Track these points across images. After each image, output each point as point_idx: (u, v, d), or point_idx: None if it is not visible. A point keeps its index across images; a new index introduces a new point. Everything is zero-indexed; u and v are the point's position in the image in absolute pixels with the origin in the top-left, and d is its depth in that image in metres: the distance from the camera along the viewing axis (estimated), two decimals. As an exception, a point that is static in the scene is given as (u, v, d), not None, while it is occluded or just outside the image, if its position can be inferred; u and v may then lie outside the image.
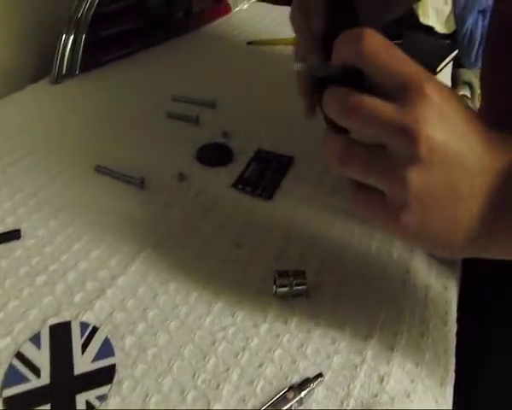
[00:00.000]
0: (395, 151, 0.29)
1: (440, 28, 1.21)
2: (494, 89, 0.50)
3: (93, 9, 0.70)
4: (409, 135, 0.28)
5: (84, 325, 0.38)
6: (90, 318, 0.39)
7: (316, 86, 0.34)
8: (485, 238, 0.30)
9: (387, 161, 0.29)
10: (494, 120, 0.31)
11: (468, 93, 1.25)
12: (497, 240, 0.30)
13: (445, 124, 0.28)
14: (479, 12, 1.17)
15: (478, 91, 1.19)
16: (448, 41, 1.00)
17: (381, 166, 0.30)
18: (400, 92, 0.28)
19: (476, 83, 1.18)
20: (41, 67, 0.71)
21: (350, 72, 0.31)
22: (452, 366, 0.39)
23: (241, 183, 0.52)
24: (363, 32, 0.30)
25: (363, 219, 0.33)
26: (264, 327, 0.39)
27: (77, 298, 0.40)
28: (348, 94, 0.30)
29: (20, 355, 0.36)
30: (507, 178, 0.29)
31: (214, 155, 0.56)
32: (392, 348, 0.39)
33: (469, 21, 1.20)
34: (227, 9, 0.94)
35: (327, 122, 0.33)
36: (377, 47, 0.29)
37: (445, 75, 0.83)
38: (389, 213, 0.30)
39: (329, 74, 0.32)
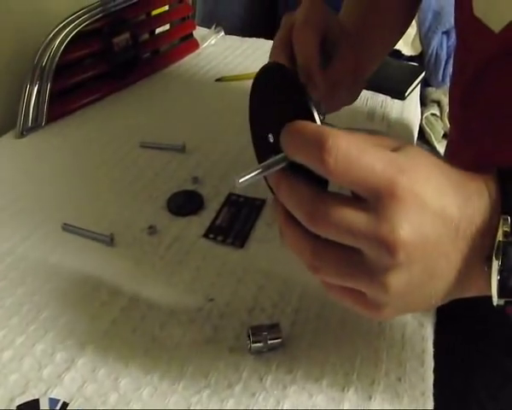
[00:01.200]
0: (372, 259, 0.28)
1: (407, 51, 1.23)
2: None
3: (57, 57, 0.69)
4: (386, 246, 0.27)
5: (53, 402, 0.37)
6: (59, 392, 0.37)
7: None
8: (460, 289, 0.31)
9: (364, 267, 0.29)
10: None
11: (437, 111, 1.27)
12: (473, 285, 0.31)
13: (421, 215, 0.28)
14: (443, 33, 1.20)
15: (446, 109, 1.21)
16: (416, 64, 1.02)
17: (357, 271, 0.29)
18: (372, 198, 0.28)
19: (444, 101, 1.21)
20: (5, 121, 0.70)
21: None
22: (430, 406, 0.39)
23: (213, 232, 0.52)
24: (325, 143, 0.27)
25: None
26: (239, 387, 0.38)
27: (45, 372, 0.39)
28: (311, 198, 0.29)
29: (-14, 441, 0.35)
30: (481, 234, 0.29)
31: (185, 203, 0.56)
32: (369, 397, 0.38)
33: (434, 42, 1.23)
34: (195, 45, 0.95)
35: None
36: (344, 163, 0.27)
37: (414, 94, 0.85)
38: (369, 306, 0.31)
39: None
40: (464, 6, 0.46)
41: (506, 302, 0.30)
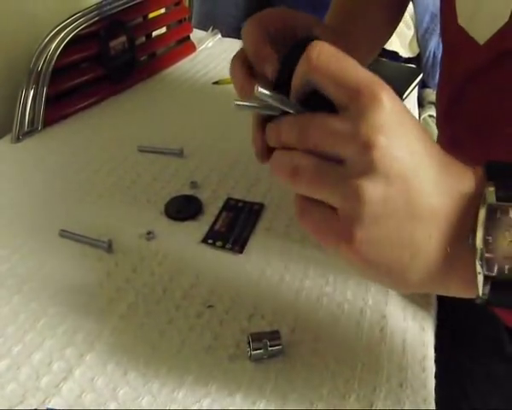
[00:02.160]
0: (349, 162, 0.27)
1: (404, 52, 1.23)
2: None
3: (54, 61, 0.69)
4: (362, 143, 0.26)
5: (51, 412, 0.36)
6: (57, 402, 0.37)
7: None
8: (444, 270, 0.28)
9: (340, 173, 0.28)
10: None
11: (434, 113, 1.27)
12: (455, 273, 0.28)
13: (402, 133, 0.27)
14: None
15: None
16: (413, 65, 1.02)
17: (333, 178, 0.28)
18: (353, 101, 0.27)
19: (442, 102, 1.20)
20: (1, 125, 0.69)
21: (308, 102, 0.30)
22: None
23: (211, 237, 0.52)
24: (311, 44, 0.29)
25: (327, 250, 0.33)
26: (239, 395, 0.38)
27: (43, 382, 0.38)
28: (301, 118, 0.30)
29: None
30: (466, 205, 0.27)
31: (183, 208, 0.55)
32: (371, 404, 0.38)
33: (432, 44, 1.23)
34: (192, 48, 0.94)
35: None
36: (327, 56, 0.28)
37: (411, 96, 0.85)
38: (341, 229, 0.28)
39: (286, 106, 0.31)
40: (449, 15, 0.45)
41: (492, 291, 0.27)
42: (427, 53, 1.22)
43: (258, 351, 0.40)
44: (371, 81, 0.27)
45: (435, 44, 1.22)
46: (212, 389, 0.38)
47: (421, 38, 1.23)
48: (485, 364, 0.50)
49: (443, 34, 0.51)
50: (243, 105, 0.31)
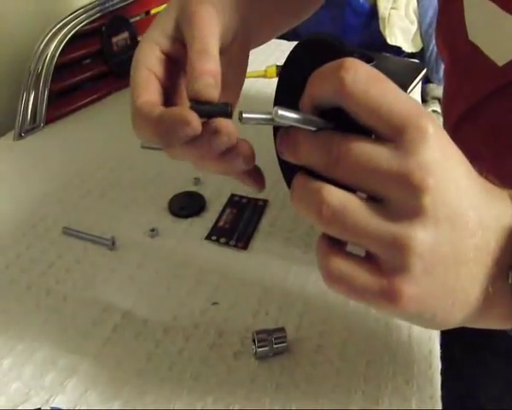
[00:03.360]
0: (394, 204, 0.24)
1: (408, 47, 1.22)
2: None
3: (56, 58, 0.69)
4: (411, 184, 0.24)
5: (55, 410, 0.36)
6: (62, 400, 0.37)
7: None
8: (484, 309, 0.26)
9: (385, 216, 0.24)
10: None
11: (438, 108, 1.26)
12: (495, 311, 0.27)
13: (449, 170, 0.25)
14: (444, 29, 1.19)
15: (448, 106, 1.20)
16: (417, 60, 1.01)
17: (375, 222, 0.24)
18: (397, 134, 0.24)
19: (446, 98, 1.20)
20: (3, 122, 0.69)
21: (327, 115, 0.26)
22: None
23: (215, 233, 0.51)
24: (344, 62, 0.25)
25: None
26: (244, 392, 0.38)
27: (47, 380, 0.38)
28: (329, 139, 0.25)
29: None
30: (507, 241, 0.26)
31: (187, 205, 0.55)
32: (377, 401, 0.38)
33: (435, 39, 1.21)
34: (194, 44, 0.94)
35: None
36: (365, 82, 0.24)
37: (415, 91, 0.84)
38: (385, 284, 0.25)
39: (299, 122, 0.26)
40: (457, 29, 0.43)
41: None
42: (431, 48, 1.21)
43: (263, 348, 0.40)
44: (417, 113, 0.24)
45: (439, 39, 1.21)
46: (216, 386, 0.38)
47: (425, 33, 1.23)
48: (491, 362, 0.50)
49: (450, 46, 0.48)
50: (251, 118, 0.26)
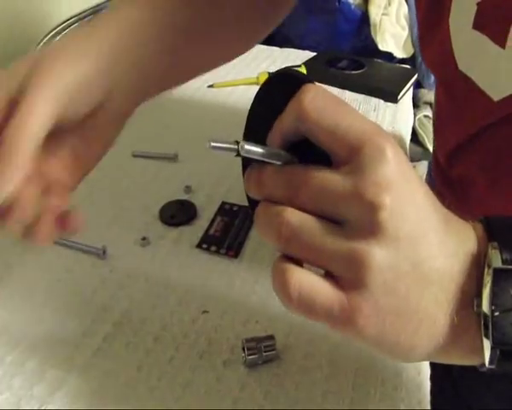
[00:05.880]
0: (351, 223, 0.24)
1: (399, 53, 1.23)
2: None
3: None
4: (368, 203, 0.24)
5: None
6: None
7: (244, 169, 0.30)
8: (449, 338, 0.26)
9: (341, 235, 0.24)
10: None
11: (429, 113, 1.27)
12: (461, 341, 0.26)
13: (408, 191, 0.24)
14: (434, 35, 1.20)
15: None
16: (408, 66, 1.02)
17: (333, 241, 0.24)
18: (354, 155, 0.24)
19: (438, 103, 1.21)
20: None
21: (295, 149, 0.27)
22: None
23: (206, 242, 0.52)
24: (304, 87, 0.25)
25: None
26: (234, 400, 0.38)
27: (36, 390, 0.38)
28: (291, 171, 0.26)
29: None
30: (470, 267, 0.25)
31: (177, 213, 0.55)
32: (366, 408, 0.38)
33: (426, 44, 1.22)
34: (187, 52, 0.94)
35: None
36: (322, 102, 0.25)
37: (406, 96, 0.85)
38: (343, 302, 0.24)
39: (264, 155, 0.26)
40: (446, 56, 0.41)
41: (500, 361, 0.25)
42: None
43: (253, 356, 0.40)
44: (374, 133, 0.24)
45: (430, 45, 1.22)
46: (205, 395, 0.38)
47: (416, 39, 1.24)
48: (494, 382, 0.50)
49: (438, 71, 0.47)
50: (220, 147, 0.26)
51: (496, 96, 0.38)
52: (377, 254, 0.24)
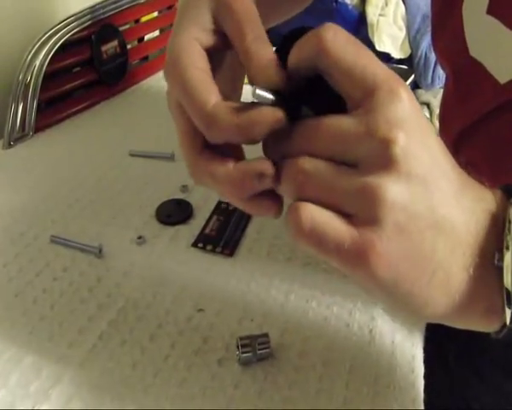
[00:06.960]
0: (364, 161, 0.24)
1: (396, 54, 1.24)
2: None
3: (45, 66, 0.69)
4: (380, 138, 0.23)
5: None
6: (47, 408, 0.37)
7: None
8: (466, 296, 0.25)
9: (356, 173, 0.24)
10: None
11: (426, 113, 1.28)
12: (479, 301, 0.25)
13: (422, 133, 0.24)
14: (432, 35, 1.21)
15: (436, 111, 1.22)
16: (405, 66, 1.02)
17: (346, 179, 0.24)
18: (368, 97, 0.24)
19: (434, 103, 1.21)
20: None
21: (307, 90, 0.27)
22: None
23: (202, 241, 0.52)
24: (324, 25, 0.25)
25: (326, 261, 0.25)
26: (228, 399, 0.38)
27: (32, 388, 0.38)
28: (303, 124, 0.26)
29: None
30: (489, 224, 0.25)
31: (174, 212, 0.55)
32: (359, 405, 0.38)
33: (423, 45, 1.23)
34: (184, 51, 0.94)
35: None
36: (342, 41, 0.25)
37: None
38: (357, 239, 0.24)
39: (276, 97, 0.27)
40: (457, 43, 0.42)
41: None
42: (419, 54, 1.23)
43: (247, 354, 0.40)
44: (390, 76, 0.24)
45: (427, 45, 1.22)
46: (200, 392, 0.38)
47: (413, 39, 1.24)
48: (474, 364, 0.51)
49: (450, 60, 0.47)
50: (263, 96, 0.27)
51: (502, 78, 0.38)
52: (389, 188, 0.23)
